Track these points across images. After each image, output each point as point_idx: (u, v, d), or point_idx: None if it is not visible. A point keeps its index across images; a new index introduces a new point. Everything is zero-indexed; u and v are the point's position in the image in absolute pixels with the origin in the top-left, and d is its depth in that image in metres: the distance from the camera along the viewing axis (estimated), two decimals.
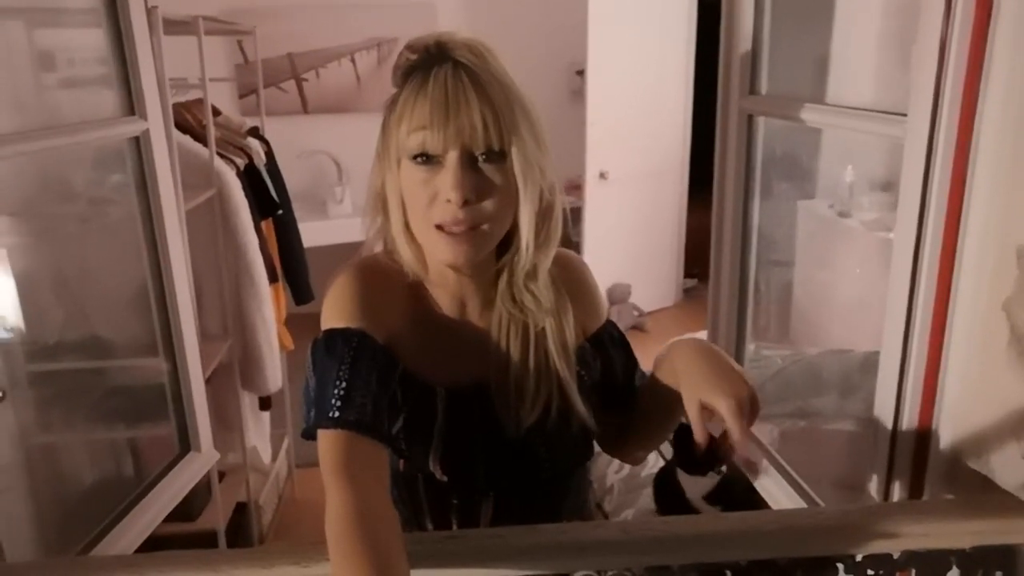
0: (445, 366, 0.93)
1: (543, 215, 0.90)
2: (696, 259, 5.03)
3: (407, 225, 0.89)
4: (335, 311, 0.88)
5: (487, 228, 0.86)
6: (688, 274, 5.15)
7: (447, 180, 0.83)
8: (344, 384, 0.82)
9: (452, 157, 0.83)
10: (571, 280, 1.00)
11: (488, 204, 0.85)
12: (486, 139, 0.82)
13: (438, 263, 0.91)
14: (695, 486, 2.29)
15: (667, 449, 2.49)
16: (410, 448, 0.91)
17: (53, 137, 1.34)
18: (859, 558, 0.89)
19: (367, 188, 0.93)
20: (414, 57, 0.86)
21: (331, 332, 0.87)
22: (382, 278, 0.92)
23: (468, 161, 0.83)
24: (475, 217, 0.84)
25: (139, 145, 1.49)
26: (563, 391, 0.94)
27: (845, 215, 3.01)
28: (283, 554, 0.85)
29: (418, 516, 0.96)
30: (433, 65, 0.84)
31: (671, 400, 0.92)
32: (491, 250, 0.91)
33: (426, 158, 0.84)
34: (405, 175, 0.86)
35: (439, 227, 0.85)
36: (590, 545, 0.86)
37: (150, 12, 1.54)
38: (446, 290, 0.95)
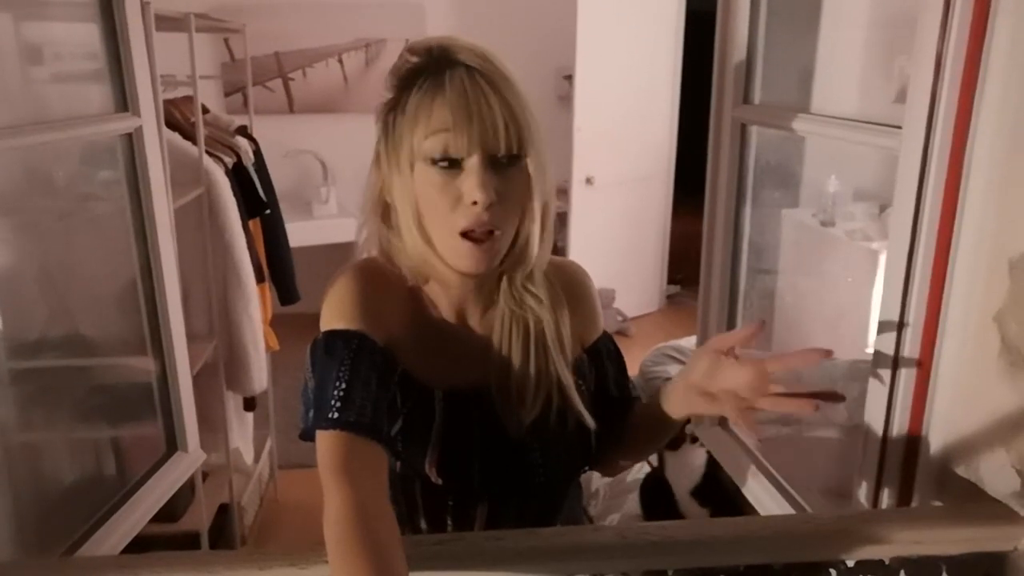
0: (444, 369, 0.94)
1: (544, 217, 0.91)
2: (680, 265, 5.07)
3: (420, 229, 0.88)
4: (335, 312, 0.88)
5: (499, 233, 0.86)
6: (671, 280, 5.18)
7: (471, 182, 0.82)
8: (344, 385, 0.82)
9: (474, 161, 0.83)
10: (572, 288, 1.01)
11: (505, 207, 0.85)
12: (507, 142, 0.83)
13: (443, 267, 0.90)
14: (683, 482, 2.31)
15: (652, 457, 2.51)
16: (407, 450, 0.91)
17: (46, 132, 1.33)
18: (851, 563, 0.90)
19: (366, 192, 0.93)
20: (415, 60, 0.86)
21: (331, 333, 0.87)
22: (382, 280, 0.92)
23: (490, 164, 0.83)
24: (496, 219, 0.84)
25: (131, 142, 1.48)
26: (562, 390, 0.95)
27: (828, 224, 3.05)
28: (279, 555, 0.85)
29: (413, 517, 0.96)
30: (443, 68, 0.84)
31: (664, 414, 0.96)
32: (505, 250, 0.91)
33: (448, 161, 0.83)
34: (421, 179, 0.85)
35: (463, 233, 0.85)
36: (587, 548, 0.86)
37: (144, 8, 1.53)
38: (447, 294, 0.95)
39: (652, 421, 0.99)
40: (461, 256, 0.86)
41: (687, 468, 2.25)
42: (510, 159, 0.84)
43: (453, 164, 0.84)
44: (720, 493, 2.16)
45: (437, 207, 0.85)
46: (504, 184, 0.84)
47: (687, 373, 0.92)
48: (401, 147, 0.86)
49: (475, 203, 0.83)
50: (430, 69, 0.85)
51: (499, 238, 0.86)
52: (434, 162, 0.84)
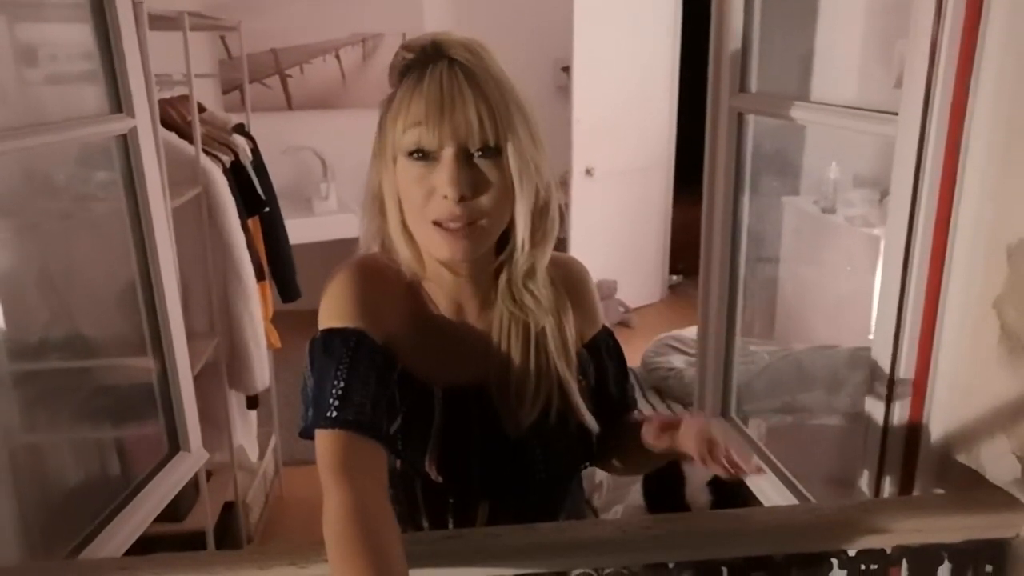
0: (443, 366, 0.93)
1: (539, 213, 0.90)
2: (681, 255, 5.05)
3: (404, 223, 0.89)
4: (333, 310, 0.88)
5: (484, 224, 0.86)
6: (673, 270, 5.17)
7: (443, 176, 0.82)
8: (342, 384, 0.82)
9: (448, 153, 0.83)
10: (571, 284, 1.00)
11: (484, 200, 0.85)
12: (481, 135, 0.82)
13: (436, 263, 0.91)
14: (700, 471, 2.30)
15: None
16: (406, 449, 0.91)
17: (41, 134, 1.33)
18: (853, 553, 0.90)
19: (365, 188, 0.93)
20: (410, 56, 0.86)
21: (329, 332, 0.87)
22: (380, 277, 0.92)
23: (464, 157, 0.83)
24: (471, 213, 0.84)
25: (127, 142, 1.48)
26: (563, 391, 0.94)
27: (829, 211, 3.04)
28: (279, 555, 0.85)
29: (414, 515, 0.95)
30: (429, 63, 0.84)
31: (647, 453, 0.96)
32: (489, 249, 0.91)
33: (422, 154, 0.83)
34: (401, 172, 0.86)
35: (436, 223, 0.85)
36: (588, 543, 0.86)
37: (136, 7, 1.52)
38: (443, 290, 0.95)
39: (636, 450, 1.00)
40: (437, 245, 0.86)
41: None
42: (488, 152, 0.84)
43: (428, 157, 0.84)
44: (733, 487, 2.16)
45: (414, 199, 0.85)
46: (482, 177, 0.84)
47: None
48: (386, 140, 0.87)
49: (447, 196, 0.83)
50: (419, 64, 0.85)
51: (483, 228, 0.86)
52: (410, 155, 0.84)
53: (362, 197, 0.94)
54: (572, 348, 0.97)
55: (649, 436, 0.91)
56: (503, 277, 0.94)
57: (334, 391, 0.82)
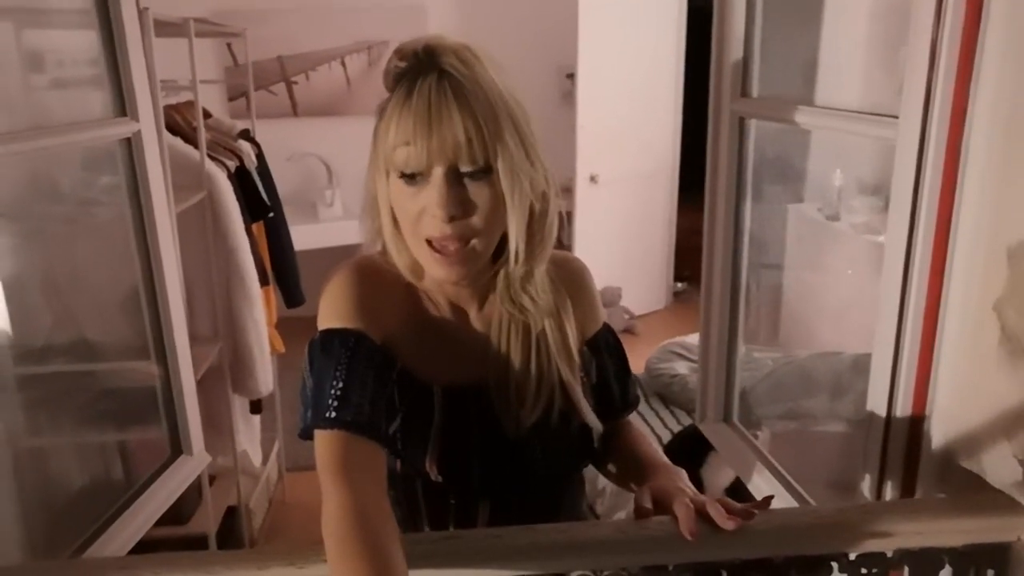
0: (442, 366, 0.93)
1: (536, 223, 0.90)
2: (686, 262, 5.05)
3: (398, 232, 0.89)
4: (332, 311, 0.88)
5: (476, 243, 0.85)
6: (678, 277, 5.16)
7: (432, 196, 0.82)
8: (341, 384, 0.82)
9: (437, 173, 0.82)
10: (571, 282, 1.00)
11: (476, 219, 0.84)
12: (470, 155, 0.81)
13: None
14: (720, 479, 2.30)
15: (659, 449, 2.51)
16: (406, 449, 0.91)
17: (45, 137, 1.33)
18: (853, 557, 0.89)
19: (364, 190, 0.93)
20: (403, 64, 0.85)
21: (328, 332, 0.87)
22: (378, 278, 0.92)
23: (453, 177, 0.82)
24: (463, 231, 0.84)
25: (131, 147, 1.49)
26: (565, 392, 0.94)
27: (833, 218, 3.04)
28: (278, 555, 0.85)
29: (415, 516, 0.96)
30: (419, 74, 0.82)
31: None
32: (485, 259, 0.91)
33: (411, 176, 0.83)
34: (393, 187, 0.86)
35: (429, 242, 0.85)
36: (587, 545, 0.86)
37: (142, 14, 1.53)
38: (442, 294, 0.95)
39: (625, 475, 1.02)
40: (431, 264, 0.87)
41: (729, 470, 2.21)
42: (479, 170, 0.83)
43: (418, 177, 0.83)
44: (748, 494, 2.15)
45: (407, 215, 0.85)
46: (474, 195, 0.83)
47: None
48: (379, 151, 0.86)
49: (437, 216, 0.83)
50: (410, 73, 0.84)
51: (475, 248, 0.85)
52: (400, 174, 0.84)
53: (362, 200, 0.95)
54: (574, 347, 0.97)
55: (642, 500, 0.89)
56: (501, 281, 0.93)
57: (333, 391, 0.82)
